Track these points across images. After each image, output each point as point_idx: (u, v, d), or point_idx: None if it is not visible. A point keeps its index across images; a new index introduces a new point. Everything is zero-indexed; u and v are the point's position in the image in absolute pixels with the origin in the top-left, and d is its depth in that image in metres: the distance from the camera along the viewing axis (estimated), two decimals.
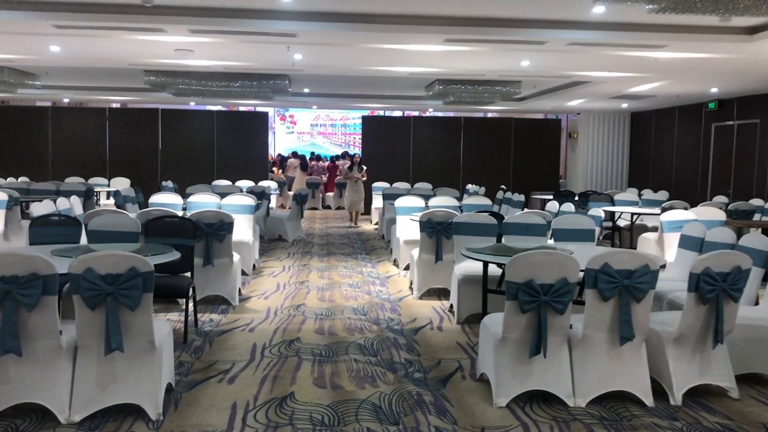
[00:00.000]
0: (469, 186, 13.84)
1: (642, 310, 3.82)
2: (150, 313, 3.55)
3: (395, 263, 8.98)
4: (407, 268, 8.48)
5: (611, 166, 15.95)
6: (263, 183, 13.78)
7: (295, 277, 7.93)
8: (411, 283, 7.30)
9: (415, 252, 7.04)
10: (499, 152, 15.92)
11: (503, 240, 6.17)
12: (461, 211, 8.92)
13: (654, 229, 9.34)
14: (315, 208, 17.93)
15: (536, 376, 3.86)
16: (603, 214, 8.37)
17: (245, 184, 13.60)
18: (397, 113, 20.06)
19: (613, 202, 11.01)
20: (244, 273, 7.83)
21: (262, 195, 11.55)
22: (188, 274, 5.37)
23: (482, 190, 12.76)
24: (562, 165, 17.12)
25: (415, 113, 18.19)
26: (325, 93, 13.34)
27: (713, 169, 13.44)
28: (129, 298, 3.43)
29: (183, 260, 4.98)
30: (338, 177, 16.51)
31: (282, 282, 7.63)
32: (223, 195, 8.99)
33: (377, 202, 14.17)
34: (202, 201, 8.37)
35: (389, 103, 13.82)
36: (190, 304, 5.46)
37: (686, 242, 5.72)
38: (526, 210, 9.55)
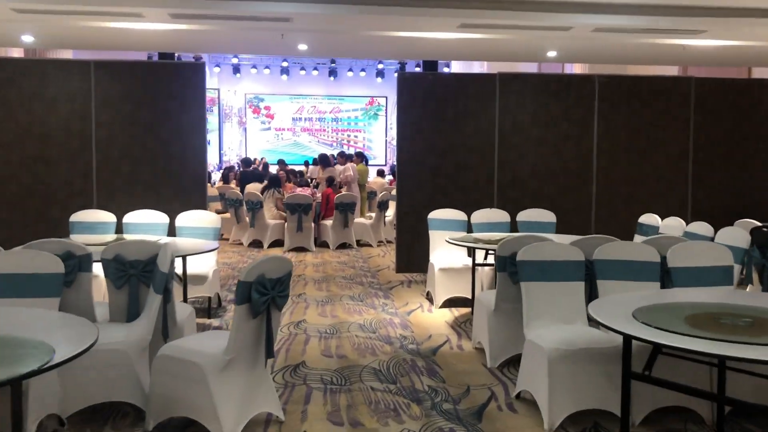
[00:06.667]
0: (650, 218, 6.18)
1: None
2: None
3: None
4: None
5: None
6: (187, 217, 5.98)
7: None
8: None
9: None
10: (668, 139, 8.12)
11: None
12: None
13: None
14: (303, 250, 10.03)
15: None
16: None
17: (144, 218, 5.92)
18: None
19: None
20: None
21: (152, 275, 3.72)
22: None
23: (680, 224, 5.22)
24: None
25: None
26: None
27: None
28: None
29: None
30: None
31: None
32: None
33: (443, 257, 6.36)
34: None
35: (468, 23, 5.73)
36: None
37: None
38: None
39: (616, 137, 8.00)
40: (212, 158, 20.91)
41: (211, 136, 21.19)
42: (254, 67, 21.59)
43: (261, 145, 22.05)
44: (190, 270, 5.59)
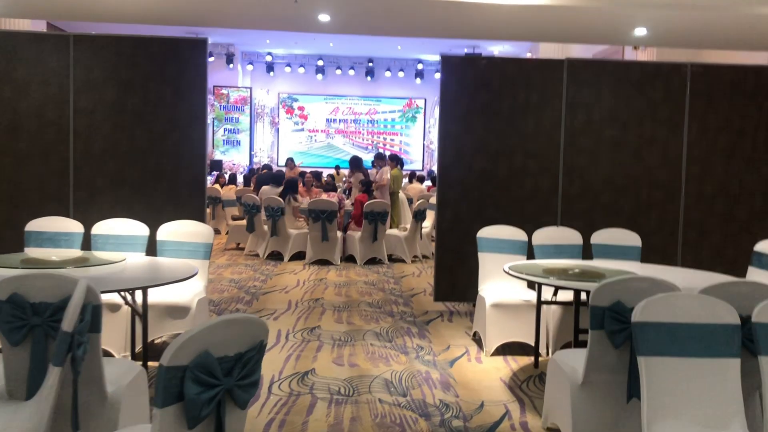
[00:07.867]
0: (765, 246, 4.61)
1: None
2: None
3: None
4: None
5: None
6: (170, 229, 4.69)
7: None
8: None
9: None
10: None
11: None
12: None
13: None
14: (326, 263, 8.69)
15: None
16: None
17: (118, 230, 4.64)
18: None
19: None
20: None
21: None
22: None
23: None
24: None
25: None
26: None
27: None
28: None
29: None
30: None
31: None
32: None
33: (496, 288, 4.93)
34: None
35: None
36: None
37: None
38: None
39: (711, 141, 6.44)
40: (243, 159, 20.03)
41: (243, 137, 20.31)
42: (288, 65, 20.55)
43: (293, 146, 21.10)
44: (167, 299, 4.29)
